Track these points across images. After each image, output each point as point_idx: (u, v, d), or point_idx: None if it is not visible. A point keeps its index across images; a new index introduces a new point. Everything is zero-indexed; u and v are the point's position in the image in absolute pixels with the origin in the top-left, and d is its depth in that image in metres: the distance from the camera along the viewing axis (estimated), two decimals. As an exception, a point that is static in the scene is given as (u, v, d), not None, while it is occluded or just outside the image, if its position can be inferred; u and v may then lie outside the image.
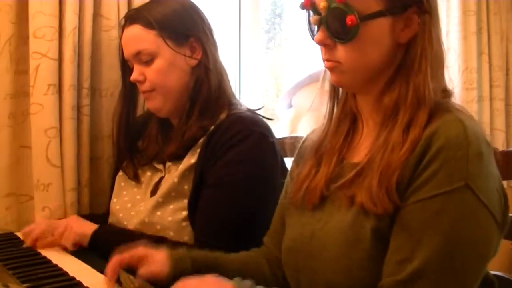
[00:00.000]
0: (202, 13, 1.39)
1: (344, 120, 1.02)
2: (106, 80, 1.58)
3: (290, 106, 2.15)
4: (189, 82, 1.34)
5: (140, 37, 1.32)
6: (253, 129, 1.27)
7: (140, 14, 1.34)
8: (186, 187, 1.28)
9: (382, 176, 0.86)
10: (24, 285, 1.01)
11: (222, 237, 1.21)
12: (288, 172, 1.14)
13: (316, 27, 0.95)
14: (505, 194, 0.89)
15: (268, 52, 2.43)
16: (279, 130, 2.22)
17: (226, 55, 2.13)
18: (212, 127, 1.30)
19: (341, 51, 0.92)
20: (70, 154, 1.50)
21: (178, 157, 1.32)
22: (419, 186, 0.83)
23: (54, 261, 1.16)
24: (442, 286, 0.81)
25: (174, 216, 1.26)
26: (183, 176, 1.28)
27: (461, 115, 0.87)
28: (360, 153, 0.97)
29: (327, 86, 1.03)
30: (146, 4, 1.40)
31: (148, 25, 1.32)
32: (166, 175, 1.34)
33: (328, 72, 1.00)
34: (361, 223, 0.88)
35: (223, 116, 1.32)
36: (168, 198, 1.28)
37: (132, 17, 1.35)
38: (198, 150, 1.29)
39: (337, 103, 1.03)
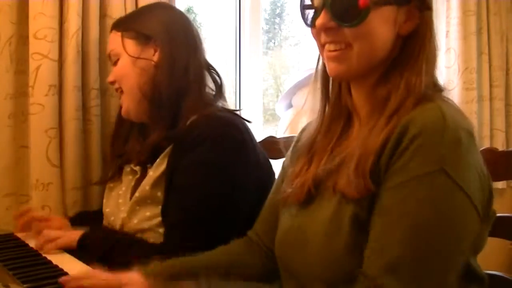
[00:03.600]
0: (183, 17, 1.39)
1: (337, 119, 1.01)
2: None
3: (290, 106, 2.15)
4: (149, 82, 1.32)
5: (111, 40, 1.39)
6: (214, 128, 1.24)
7: (117, 20, 1.42)
8: (159, 193, 1.27)
9: (359, 161, 0.86)
10: (24, 285, 1.01)
11: (188, 239, 1.18)
12: (282, 167, 1.14)
13: (311, 13, 0.93)
14: (490, 188, 0.89)
15: (268, 52, 2.43)
16: (279, 130, 2.22)
17: (226, 55, 2.13)
18: (181, 131, 1.27)
19: (347, 35, 0.90)
20: (72, 154, 1.50)
21: (141, 163, 1.34)
22: (394, 172, 0.83)
23: (55, 262, 1.16)
24: (419, 270, 0.80)
25: (150, 223, 1.26)
26: (155, 183, 1.27)
27: (443, 104, 0.86)
28: (349, 145, 0.97)
29: (319, 85, 1.03)
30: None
31: (116, 27, 1.38)
32: (144, 179, 1.32)
33: (319, 71, 1.00)
34: (341, 212, 0.88)
35: (193, 118, 1.28)
36: (145, 205, 1.28)
37: (114, 23, 1.42)
38: (167, 157, 1.28)
39: (328, 102, 1.02)
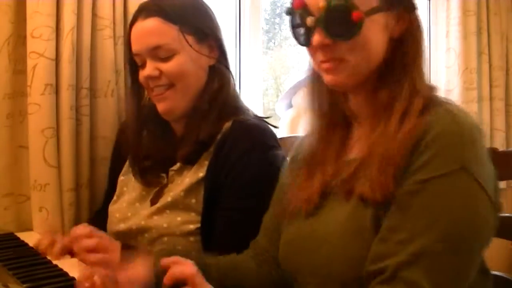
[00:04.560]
0: (214, 12, 1.36)
1: (335, 127, 1.02)
2: (104, 80, 1.57)
3: (290, 106, 2.15)
4: (208, 82, 1.29)
5: (160, 31, 1.24)
6: (261, 142, 1.23)
7: (159, 6, 1.26)
8: (193, 200, 1.24)
9: (381, 164, 0.87)
10: (24, 285, 1.01)
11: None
12: (280, 181, 1.14)
13: (302, 32, 0.94)
14: (496, 182, 0.91)
15: (268, 52, 2.43)
16: (279, 130, 2.22)
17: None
18: (220, 136, 1.25)
19: (342, 49, 0.91)
20: (68, 154, 1.49)
21: (190, 161, 1.27)
22: (416, 170, 0.85)
23: (54, 262, 1.16)
24: (443, 266, 0.82)
25: (181, 229, 1.23)
26: (189, 189, 1.24)
27: (450, 107, 0.89)
28: (355, 149, 0.98)
29: (312, 96, 1.04)
30: None
31: (169, 18, 1.24)
32: (169, 185, 1.30)
33: (311, 81, 1.02)
34: (360, 213, 0.89)
35: (228, 124, 1.25)
36: (175, 209, 1.25)
37: (150, 9, 1.26)
38: (206, 163, 1.25)
39: (323, 113, 1.03)
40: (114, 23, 1.55)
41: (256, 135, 1.24)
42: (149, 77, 1.26)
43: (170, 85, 1.27)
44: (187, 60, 1.26)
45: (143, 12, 1.27)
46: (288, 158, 1.16)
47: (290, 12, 0.96)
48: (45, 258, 1.19)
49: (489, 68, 2.49)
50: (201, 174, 1.25)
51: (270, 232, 1.12)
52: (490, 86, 2.50)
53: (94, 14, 1.55)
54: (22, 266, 1.13)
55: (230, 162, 1.21)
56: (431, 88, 0.95)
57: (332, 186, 0.96)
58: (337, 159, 0.99)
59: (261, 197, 1.15)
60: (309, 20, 0.91)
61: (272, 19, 2.38)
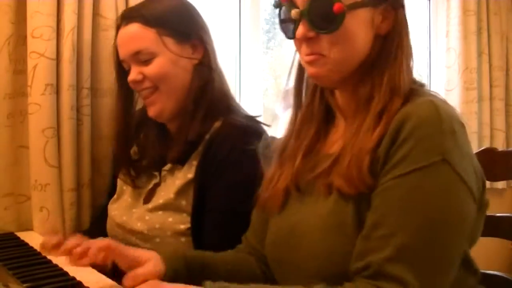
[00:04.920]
0: (199, 11, 1.37)
1: (309, 122, 1.03)
2: (105, 80, 1.58)
3: (290, 106, 2.15)
4: (192, 82, 1.30)
5: (139, 36, 1.28)
6: (247, 142, 1.21)
7: (138, 12, 1.30)
8: (184, 202, 1.26)
9: (354, 159, 0.87)
10: (24, 285, 1.01)
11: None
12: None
13: (289, 26, 0.95)
14: (483, 177, 0.91)
15: (268, 52, 2.43)
16: (279, 130, 2.21)
17: (226, 55, 2.13)
18: (208, 136, 1.27)
19: (325, 43, 0.92)
20: (69, 154, 1.49)
21: (180, 161, 1.30)
22: (395, 164, 0.84)
23: (54, 261, 1.16)
24: (426, 259, 0.81)
25: (173, 230, 1.25)
26: (180, 191, 1.26)
27: (432, 98, 0.88)
28: (334, 144, 0.99)
29: (292, 90, 1.06)
30: (143, 2, 1.37)
31: (147, 23, 1.27)
32: (162, 184, 1.32)
33: (294, 75, 1.03)
34: (342, 208, 0.89)
35: (218, 124, 1.28)
36: (167, 210, 1.27)
37: (130, 15, 1.31)
38: (195, 163, 1.27)
39: (301, 107, 1.05)
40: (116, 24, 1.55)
41: (242, 137, 1.24)
42: (133, 82, 1.30)
43: (155, 88, 1.29)
44: (167, 62, 1.28)
45: (124, 18, 1.32)
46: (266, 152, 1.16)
47: (277, 5, 0.97)
48: (45, 258, 1.19)
49: (489, 68, 2.49)
50: (190, 175, 1.27)
51: (256, 230, 1.13)
52: (490, 86, 2.50)
53: (97, 14, 1.55)
54: (22, 265, 1.13)
55: (216, 162, 1.23)
56: (416, 85, 0.95)
57: (308, 180, 0.97)
58: (311, 151, 1.00)
59: (247, 197, 1.15)
60: (294, 13, 0.92)
61: (272, 19, 2.38)
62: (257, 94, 2.20)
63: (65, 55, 1.47)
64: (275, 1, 0.97)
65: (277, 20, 1.00)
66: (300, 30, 0.92)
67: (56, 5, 1.47)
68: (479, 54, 2.46)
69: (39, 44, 1.45)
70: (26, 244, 1.32)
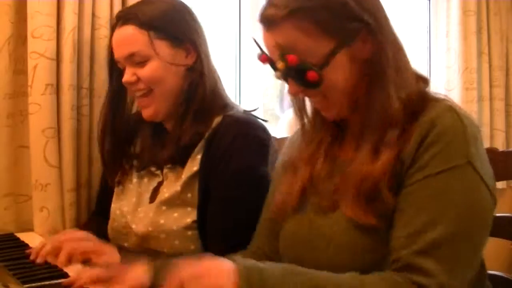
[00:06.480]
0: (194, 14, 1.37)
1: (321, 128, 1.06)
2: (105, 80, 1.57)
3: (290, 106, 2.15)
4: (184, 85, 1.31)
5: (134, 39, 1.28)
6: (249, 132, 1.26)
7: (134, 14, 1.29)
8: (189, 195, 1.27)
9: (355, 195, 0.92)
10: (24, 285, 1.01)
11: (233, 246, 1.18)
12: (272, 182, 1.17)
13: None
14: (494, 180, 0.96)
15: (268, 52, 2.43)
16: (279, 130, 2.22)
17: (226, 55, 2.12)
18: (209, 132, 1.28)
19: (319, 91, 0.96)
20: (69, 154, 1.49)
21: (174, 162, 1.31)
22: (422, 166, 0.89)
23: (54, 262, 1.16)
24: (455, 253, 0.86)
25: (178, 224, 1.25)
26: (186, 184, 1.27)
27: (449, 103, 0.94)
28: (350, 149, 1.01)
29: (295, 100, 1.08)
30: (138, 3, 1.36)
31: (142, 25, 1.27)
32: (165, 182, 1.33)
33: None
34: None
35: (218, 119, 1.29)
36: (172, 206, 1.27)
37: (125, 17, 1.31)
38: (199, 157, 1.28)
39: (306, 114, 1.08)
40: (110, 23, 1.54)
41: (245, 126, 1.27)
42: (127, 83, 1.30)
43: (149, 90, 1.30)
44: (161, 65, 1.28)
45: (120, 19, 1.32)
46: (279, 158, 1.19)
47: (260, 59, 1.00)
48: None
49: (489, 68, 2.49)
50: (195, 168, 1.27)
51: (265, 235, 1.14)
52: (490, 86, 2.50)
53: (93, 14, 1.54)
54: (22, 266, 1.13)
55: (221, 151, 1.25)
56: (420, 84, 0.98)
57: (326, 186, 1.00)
58: (326, 158, 1.03)
59: (250, 186, 1.19)
60: (277, 75, 0.97)
61: (272, 19, 2.38)
62: (257, 94, 2.20)
63: (65, 55, 1.47)
64: (258, 56, 1.00)
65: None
66: (291, 88, 0.98)
67: (56, 5, 1.47)
68: (479, 54, 2.46)
69: (39, 44, 1.45)
70: (26, 244, 1.32)
